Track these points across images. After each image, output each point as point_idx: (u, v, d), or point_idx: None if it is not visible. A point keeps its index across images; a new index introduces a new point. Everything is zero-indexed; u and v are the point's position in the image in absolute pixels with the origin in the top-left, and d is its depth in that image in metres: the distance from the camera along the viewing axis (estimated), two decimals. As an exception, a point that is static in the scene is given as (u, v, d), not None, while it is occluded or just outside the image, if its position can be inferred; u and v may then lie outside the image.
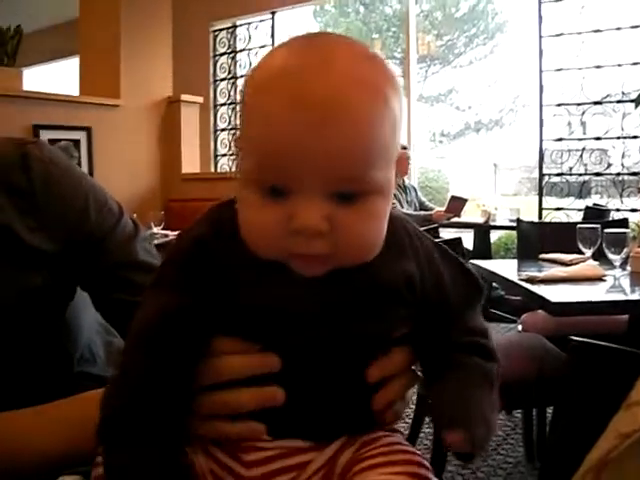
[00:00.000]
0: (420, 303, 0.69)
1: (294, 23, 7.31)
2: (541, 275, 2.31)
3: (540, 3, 5.05)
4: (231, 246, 0.66)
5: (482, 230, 5.28)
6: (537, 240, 3.12)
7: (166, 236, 4.11)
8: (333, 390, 0.67)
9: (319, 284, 0.64)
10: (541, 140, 5.13)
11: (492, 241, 5.75)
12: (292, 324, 0.66)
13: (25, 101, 4.55)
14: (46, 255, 0.98)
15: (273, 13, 6.63)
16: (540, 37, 5.05)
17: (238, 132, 0.67)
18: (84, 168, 4.90)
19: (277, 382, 0.66)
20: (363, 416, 0.69)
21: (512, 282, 2.34)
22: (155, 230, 4.19)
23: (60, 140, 4.81)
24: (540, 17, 5.04)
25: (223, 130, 6.72)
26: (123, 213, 1.07)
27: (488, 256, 5.05)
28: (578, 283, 2.29)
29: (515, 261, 3.08)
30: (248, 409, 0.67)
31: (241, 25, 6.87)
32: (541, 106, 5.11)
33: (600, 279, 2.34)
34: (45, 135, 4.70)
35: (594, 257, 2.57)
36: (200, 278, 0.66)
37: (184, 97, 5.32)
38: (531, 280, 2.25)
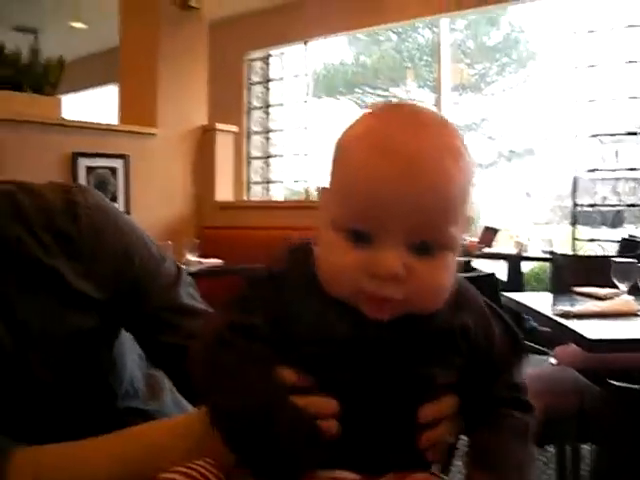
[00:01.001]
0: (471, 354, 0.74)
1: (327, 52, 7.39)
2: (575, 310, 2.30)
3: (573, 33, 5.06)
4: (303, 283, 0.72)
5: (515, 261, 5.25)
6: (571, 273, 3.10)
7: (200, 263, 4.13)
8: (386, 426, 0.71)
9: (382, 325, 0.69)
10: (574, 170, 5.11)
11: (525, 271, 5.72)
12: (352, 359, 0.70)
13: (65, 129, 4.65)
14: (93, 300, 1.02)
15: (306, 42, 6.72)
16: (573, 67, 5.05)
17: (326, 183, 0.74)
18: (121, 195, 4.98)
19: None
20: (410, 453, 0.72)
21: (546, 317, 2.34)
22: (190, 257, 4.21)
23: (98, 168, 4.90)
24: (572, 47, 5.05)
25: (256, 158, 6.80)
26: (165, 258, 1.11)
27: (520, 287, 5.02)
28: (612, 318, 2.28)
29: (548, 294, 3.07)
30: None
31: (275, 55, 6.98)
32: (574, 136, 5.10)
33: (635, 315, 2.32)
34: (83, 162, 4.79)
35: (629, 292, 2.55)
36: (269, 307, 0.72)
37: (219, 126, 5.39)
38: (565, 315, 2.24)
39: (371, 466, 0.71)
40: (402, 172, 0.65)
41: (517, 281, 5.12)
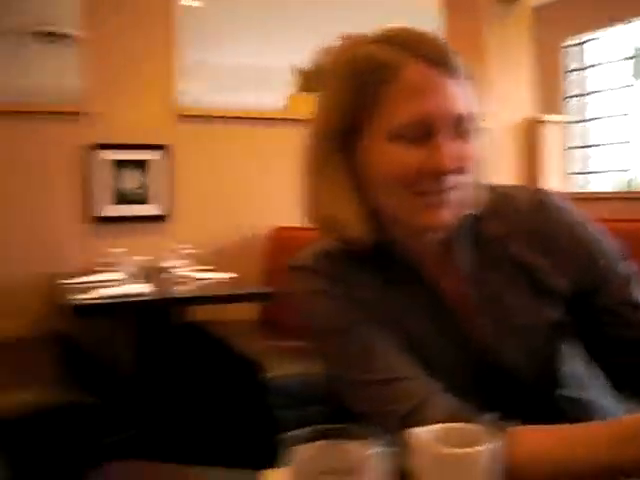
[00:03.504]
0: None
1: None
2: None
3: None
4: None
5: None
6: None
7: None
8: None
9: None
10: None
11: None
12: None
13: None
14: (561, 295, 1.11)
15: (629, 22, 6.36)
16: None
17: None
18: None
19: None
20: None
21: None
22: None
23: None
24: None
25: (575, 148, 6.59)
26: (622, 256, 1.15)
27: None
28: None
29: None
30: None
31: (591, 39, 6.71)
32: None
33: None
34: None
35: None
36: None
37: (546, 117, 5.30)
38: None
39: None
40: None
41: None
